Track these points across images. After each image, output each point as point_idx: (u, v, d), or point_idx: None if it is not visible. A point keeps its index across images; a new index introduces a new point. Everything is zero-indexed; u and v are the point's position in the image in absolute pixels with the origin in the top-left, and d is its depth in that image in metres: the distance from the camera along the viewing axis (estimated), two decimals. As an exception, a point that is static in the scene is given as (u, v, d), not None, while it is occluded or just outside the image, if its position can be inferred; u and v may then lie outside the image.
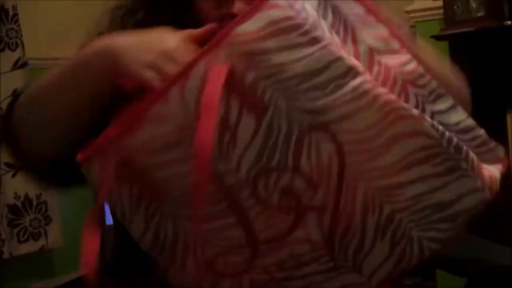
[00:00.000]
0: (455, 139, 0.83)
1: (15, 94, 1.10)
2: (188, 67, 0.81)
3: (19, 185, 3.06)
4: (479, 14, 2.76)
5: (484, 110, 2.69)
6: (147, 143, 0.81)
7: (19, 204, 3.09)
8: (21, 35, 3.20)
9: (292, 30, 0.80)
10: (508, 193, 0.91)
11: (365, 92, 0.80)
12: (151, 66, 0.85)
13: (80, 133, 0.95)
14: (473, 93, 3.00)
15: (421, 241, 0.83)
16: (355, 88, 0.80)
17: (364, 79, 0.80)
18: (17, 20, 3.19)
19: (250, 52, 0.80)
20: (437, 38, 2.86)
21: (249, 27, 0.81)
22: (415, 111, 0.82)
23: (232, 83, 0.80)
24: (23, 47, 3.20)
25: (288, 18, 0.81)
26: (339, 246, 0.84)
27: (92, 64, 0.92)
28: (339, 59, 0.80)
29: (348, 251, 0.84)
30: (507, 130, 2.63)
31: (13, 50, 3.16)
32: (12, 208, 3.08)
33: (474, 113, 3.11)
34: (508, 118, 2.64)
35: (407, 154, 0.81)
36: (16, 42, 3.18)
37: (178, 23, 1.12)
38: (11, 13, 3.17)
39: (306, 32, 0.81)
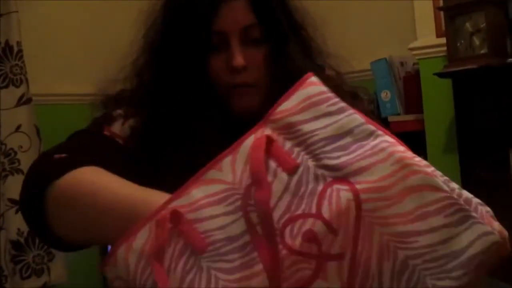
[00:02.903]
0: (464, 193, 0.87)
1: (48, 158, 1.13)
2: (240, 141, 0.94)
3: (22, 221, 3.03)
4: (482, 51, 2.77)
5: (488, 146, 2.70)
6: (198, 200, 0.91)
7: (22, 240, 3.08)
8: (26, 72, 3.22)
9: (323, 102, 0.94)
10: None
11: (382, 149, 0.88)
12: None
13: None
14: (476, 129, 3.01)
15: None
16: (374, 146, 0.89)
17: (383, 139, 0.90)
18: (21, 57, 3.20)
19: (288, 125, 0.94)
20: (441, 75, 2.88)
21: (289, 103, 0.95)
22: (428, 169, 0.87)
23: (272, 150, 0.92)
24: (27, 83, 3.21)
25: (320, 93, 0.95)
26: None
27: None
28: (362, 124, 0.92)
29: None
30: (510, 165, 2.64)
31: (17, 86, 3.18)
32: (15, 244, 3.07)
33: (477, 149, 3.10)
34: (511, 153, 2.64)
35: (421, 205, 0.85)
36: (21, 79, 3.19)
37: (190, 83, 1.23)
38: (15, 49, 3.19)
39: (335, 103, 0.94)
